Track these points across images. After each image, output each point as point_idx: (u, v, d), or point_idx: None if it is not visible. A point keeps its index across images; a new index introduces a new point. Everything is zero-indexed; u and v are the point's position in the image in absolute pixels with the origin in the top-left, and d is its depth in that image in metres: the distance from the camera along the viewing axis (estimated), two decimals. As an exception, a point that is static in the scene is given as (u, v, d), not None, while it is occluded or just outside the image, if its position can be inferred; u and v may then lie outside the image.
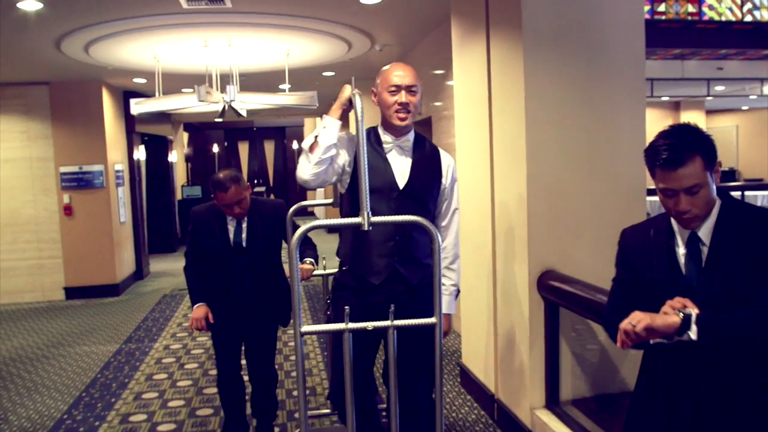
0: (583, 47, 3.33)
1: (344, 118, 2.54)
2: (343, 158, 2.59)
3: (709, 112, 15.79)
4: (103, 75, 8.11)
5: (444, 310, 2.62)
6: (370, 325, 2.18)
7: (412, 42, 6.63)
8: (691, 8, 9.22)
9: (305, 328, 2.13)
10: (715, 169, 1.76)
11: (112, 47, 6.29)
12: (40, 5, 4.71)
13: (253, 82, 8.58)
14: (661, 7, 9.11)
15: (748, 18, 9.02)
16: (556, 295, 3.21)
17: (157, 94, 6.68)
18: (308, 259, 3.56)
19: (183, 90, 9.38)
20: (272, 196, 20.18)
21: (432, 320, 2.20)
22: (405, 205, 2.57)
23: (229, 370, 3.63)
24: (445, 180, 2.72)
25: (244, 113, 6.94)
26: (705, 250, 1.78)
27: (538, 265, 3.34)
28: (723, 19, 9.34)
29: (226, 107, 6.31)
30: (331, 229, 2.12)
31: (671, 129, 1.78)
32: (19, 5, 4.67)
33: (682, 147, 1.70)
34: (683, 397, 1.81)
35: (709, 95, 11.57)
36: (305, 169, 2.49)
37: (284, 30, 5.91)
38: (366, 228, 2.12)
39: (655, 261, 1.85)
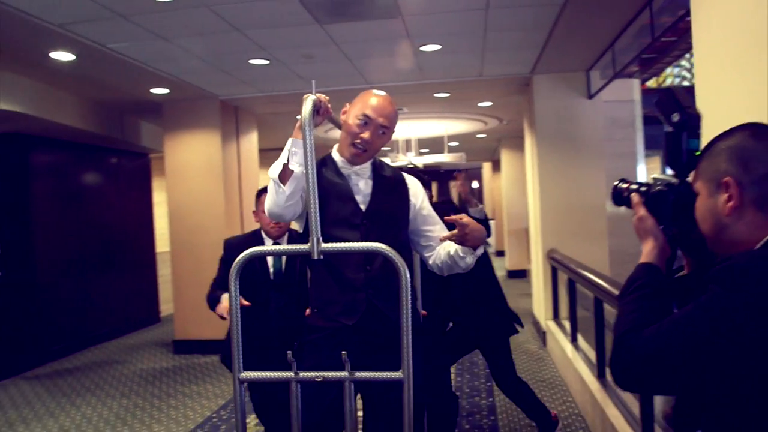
0: (568, 138, 6.68)
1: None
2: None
3: None
4: (325, 142, 12.45)
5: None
6: (319, 375, 1.83)
7: (519, 119, 10.14)
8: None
9: (244, 375, 1.81)
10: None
11: (336, 130, 10.45)
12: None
13: (432, 143, 12.51)
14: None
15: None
16: (556, 262, 6.49)
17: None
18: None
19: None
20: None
21: (397, 374, 1.77)
22: (372, 232, 2.25)
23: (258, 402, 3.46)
24: (416, 201, 2.43)
25: (421, 166, 10.79)
26: None
27: (547, 246, 6.67)
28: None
29: (408, 164, 10.22)
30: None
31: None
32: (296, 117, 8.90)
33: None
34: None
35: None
36: (277, 202, 2.18)
37: (443, 118, 9.76)
38: (316, 257, 1.76)
39: None
